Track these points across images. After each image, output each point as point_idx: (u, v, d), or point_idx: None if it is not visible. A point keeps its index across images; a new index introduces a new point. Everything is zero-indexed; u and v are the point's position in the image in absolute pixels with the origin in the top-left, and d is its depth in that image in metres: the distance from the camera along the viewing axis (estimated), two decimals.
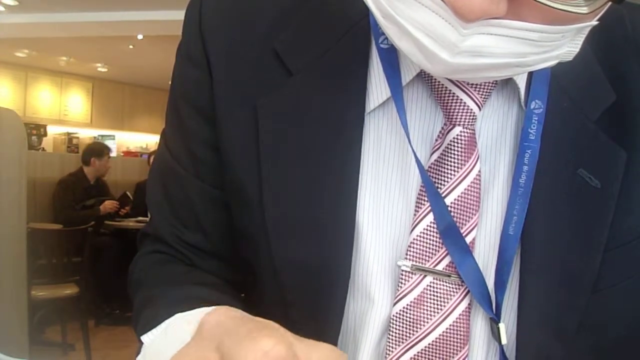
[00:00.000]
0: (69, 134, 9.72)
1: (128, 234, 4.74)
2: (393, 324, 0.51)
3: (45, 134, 8.87)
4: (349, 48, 0.53)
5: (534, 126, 0.50)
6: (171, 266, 0.59)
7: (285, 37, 0.54)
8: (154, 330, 0.43)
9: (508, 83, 0.52)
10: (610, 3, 0.37)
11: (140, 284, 0.59)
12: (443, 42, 0.38)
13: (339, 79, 0.53)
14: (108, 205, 4.74)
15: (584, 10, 0.37)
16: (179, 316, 0.42)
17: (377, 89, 0.52)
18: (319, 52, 0.53)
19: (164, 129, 0.63)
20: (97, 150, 4.92)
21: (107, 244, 4.62)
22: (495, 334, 0.51)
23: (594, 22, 0.39)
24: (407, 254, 0.51)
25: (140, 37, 7.19)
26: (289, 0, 0.56)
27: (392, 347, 0.51)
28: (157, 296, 0.52)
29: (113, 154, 6.77)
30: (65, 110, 9.93)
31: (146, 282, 0.59)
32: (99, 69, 9.75)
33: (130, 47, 7.99)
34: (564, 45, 0.41)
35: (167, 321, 0.43)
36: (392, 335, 0.51)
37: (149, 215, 0.64)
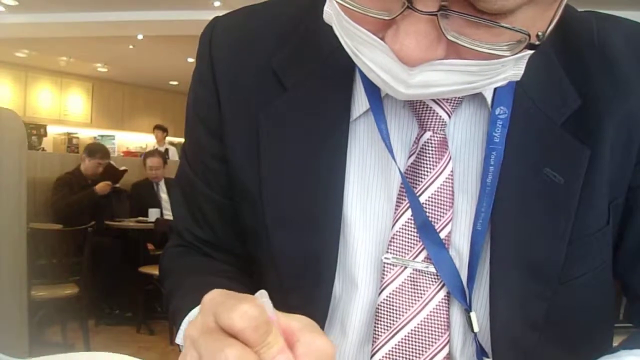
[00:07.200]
0: (69, 134, 9.72)
1: (128, 234, 4.74)
2: (379, 310, 0.56)
3: (45, 134, 8.87)
4: (335, 65, 0.59)
5: (498, 130, 0.55)
6: (191, 257, 0.71)
7: (281, 58, 0.61)
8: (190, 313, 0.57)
9: (477, 94, 0.56)
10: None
11: (167, 274, 0.72)
12: (397, 78, 0.45)
13: (326, 92, 0.60)
14: (102, 186, 4.64)
15: (507, 54, 0.43)
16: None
17: (359, 100, 0.59)
18: (309, 70, 0.60)
19: (184, 142, 0.73)
20: (91, 149, 4.85)
21: (107, 244, 4.60)
22: (469, 323, 0.56)
23: (531, 52, 0.44)
24: (389, 247, 0.57)
25: (140, 37, 7.19)
26: (284, 27, 0.63)
27: (380, 333, 0.56)
28: (181, 286, 0.64)
29: (113, 154, 6.74)
30: (65, 110, 9.94)
31: (172, 271, 0.71)
32: (99, 69, 9.76)
33: (130, 47, 8.00)
34: (508, 70, 0.46)
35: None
36: (379, 322, 0.56)
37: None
